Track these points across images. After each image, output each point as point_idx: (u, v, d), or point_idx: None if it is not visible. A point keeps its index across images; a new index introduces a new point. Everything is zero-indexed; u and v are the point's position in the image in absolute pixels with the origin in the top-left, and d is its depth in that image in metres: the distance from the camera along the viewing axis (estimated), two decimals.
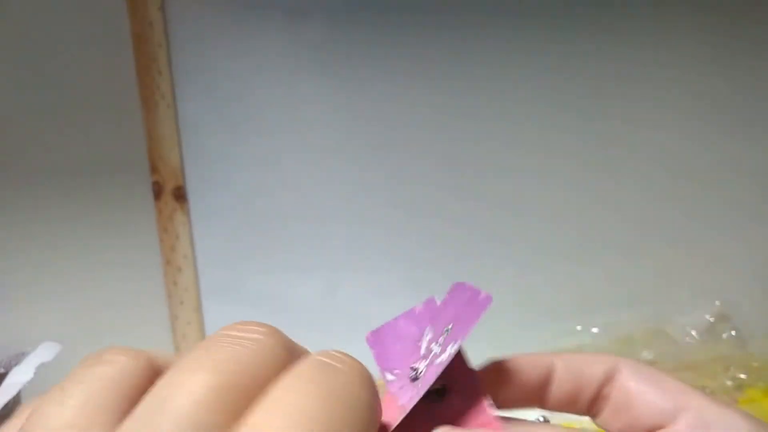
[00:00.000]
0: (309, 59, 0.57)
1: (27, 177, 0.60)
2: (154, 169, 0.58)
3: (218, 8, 0.56)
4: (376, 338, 0.25)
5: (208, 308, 0.62)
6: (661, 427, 0.21)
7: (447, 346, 0.22)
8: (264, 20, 0.56)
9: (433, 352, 0.23)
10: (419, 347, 0.24)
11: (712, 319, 0.64)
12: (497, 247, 0.63)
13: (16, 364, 0.56)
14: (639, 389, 0.22)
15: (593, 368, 0.24)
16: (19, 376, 0.54)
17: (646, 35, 0.59)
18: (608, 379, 0.23)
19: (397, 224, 0.62)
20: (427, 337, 0.24)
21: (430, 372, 0.22)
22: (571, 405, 0.24)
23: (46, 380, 0.55)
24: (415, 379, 0.23)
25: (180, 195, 0.58)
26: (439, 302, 0.25)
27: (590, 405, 0.24)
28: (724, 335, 0.64)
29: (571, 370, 0.24)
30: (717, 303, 0.65)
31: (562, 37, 0.58)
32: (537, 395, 0.24)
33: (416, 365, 0.23)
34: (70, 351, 0.58)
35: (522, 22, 0.57)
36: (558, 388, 0.24)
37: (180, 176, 0.58)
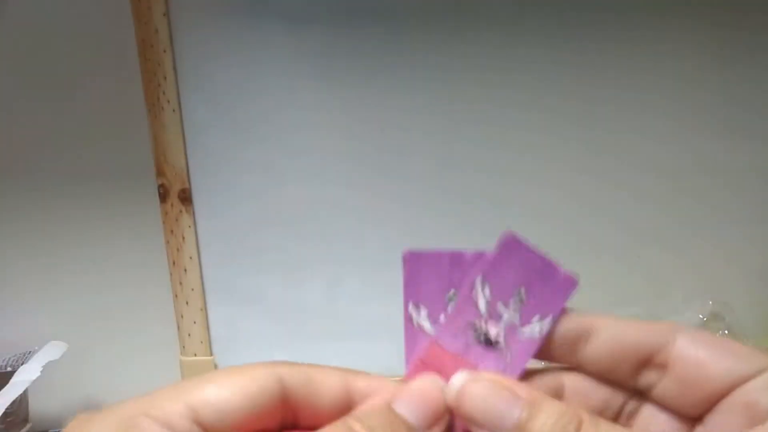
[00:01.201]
0: (311, 64, 0.58)
1: (35, 181, 0.61)
2: (159, 172, 0.59)
3: (222, 14, 0.57)
4: (414, 261, 0.23)
5: (213, 308, 0.63)
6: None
7: (531, 319, 0.22)
8: (267, 26, 0.57)
9: (505, 318, 0.22)
10: (474, 301, 0.22)
11: (704, 319, 0.66)
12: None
13: (23, 363, 0.57)
14: (707, 356, 0.21)
15: (641, 333, 0.22)
16: (26, 375, 0.55)
17: (639, 42, 0.60)
18: (662, 347, 0.21)
19: (398, 225, 0.62)
20: (484, 292, 0.22)
21: (521, 349, 0.22)
22: (611, 370, 0.22)
23: (52, 379, 0.56)
24: (488, 343, 0.22)
25: (185, 197, 0.59)
26: (489, 254, 0.23)
27: (637, 374, 0.22)
28: (717, 334, 0.65)
29: (614, 331, 0.22)
30: (710, 302, 0.66)
31: (557, 44, 0.59)
32: (568, 350, 0.22)
33: (481, 325, 0.22)
34: (76, 350, 0.59)
35: (518, 29, 0.58)
36: (595, 348, 0.22)
37: (185, 179, 0.59)
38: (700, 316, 0.65)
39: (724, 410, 0.20)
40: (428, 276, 0.22)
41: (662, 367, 0.21)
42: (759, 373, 0.20)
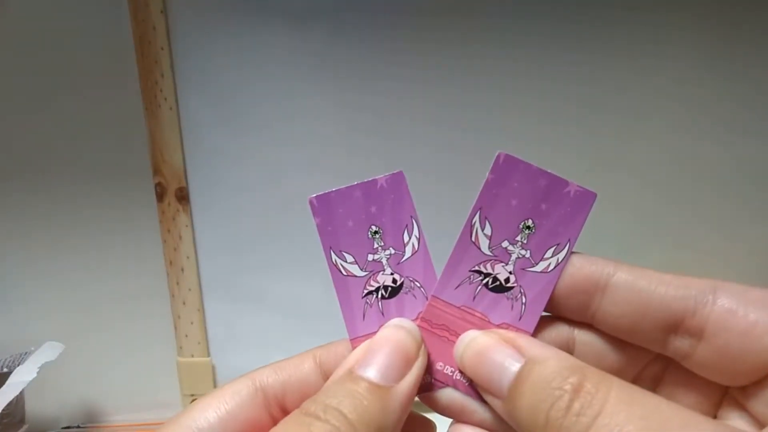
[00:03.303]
0: (311, 63, 0.58)
1: (30, 180, 0.60)
2: (156, 171, 0.59)
3: (221, 12, 0.56)
4: (324, 205, 0.20)
5: (210, 308, 0.63)
6: None
7: (545, 252, 0.19)
8: (266, 24, 0.56)
9: (514, 256, 0.19)
10: (474, 243, 0.20)
11: None
12: None
13: (19, 364, 0.57)
14: (757, 320, 0.16)
15: (670, 290, 0.18)
16: (23, 376, 0.55)
17: (645, 35, 0.59)
18: (697, 308, 0.18)
19: None
20: (484, 231, 0.20)
21: (537, 289, 0.19)
22: (631, 332, 0.19)
23: (49, 380, 0.56)
24: (498, 288, 0.19)
25: (183, 196, 0.59)
26: (483, 182, 0.19)
27: (663, 339, 0.18)
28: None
29: (636, 285, 0.19)
30: None
31: (562, 38, 0.59)
32: (578, 303, 0.19)
33: (488, 269, 0.19)
34: (73, 351, 0.58)
35: (522, 24, 0.58)
36: (612, 303, 0.19)
37: (182, 178, 0.59)
38: None
39: None
40: (343, 217, 0.20)
41: (697, 332, 0.18)
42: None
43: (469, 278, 0.20)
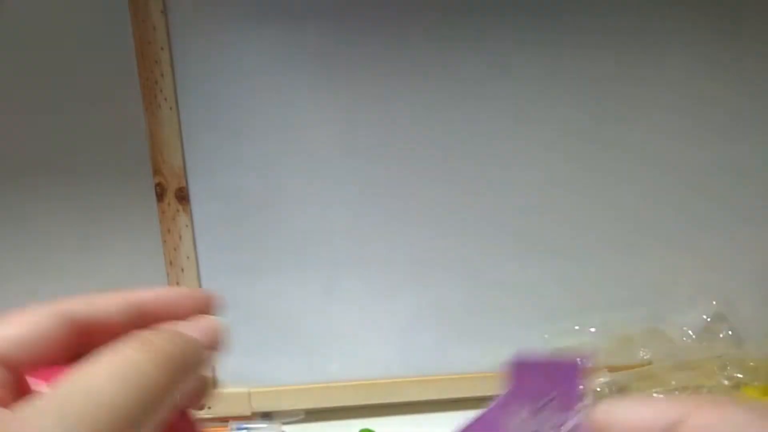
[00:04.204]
0: (309, 63, 0.58)
1: (30, 180, 0.60)
2: (156, 171, 0.59)
3: (220, 12, 0.56)
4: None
5: None
6: None
7: (563, 420, 0.21)
8: (265, 24, 0.56)
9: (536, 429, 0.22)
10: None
11: (709, 319, 0.65)
12: (496, 247, 0.64)
13: None
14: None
15: (656, 415, 0.20)
16: None
17: (643, 37, 0.59)
18: (675, 424, 0.20)
19: (396, 224, 0.62)
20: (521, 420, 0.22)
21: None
22: None
23: None
24: None
25: (182, 196, 0.59)
26: (505, 393, 0.22)
27: None
28: (721, 335, 0.65)
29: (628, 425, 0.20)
30: (714, 303, 0.65)
31: (560, 39, 0.59)
32: None
33: None
34: None
35: (519, 24, 0.58)
36: None
37: (182, 178, 0.59)
38: (704, 317, 0.65)
39: None
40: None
41: None
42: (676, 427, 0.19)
43: None
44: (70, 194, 0.61)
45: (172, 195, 0.59)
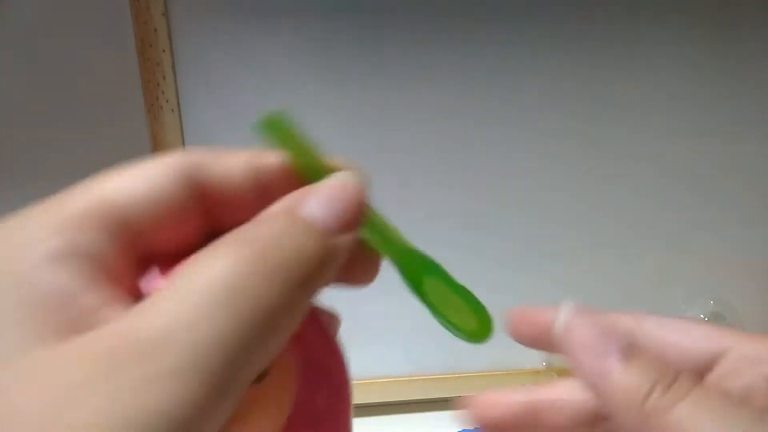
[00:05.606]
0: (312, 63, 0.58)
1: (31, 181, 0.60)
2: None
3: (221, 13, 0.56)
4: None
5: None
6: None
7: None
8: (267, 25, 0.57)
9: None
10: None
11: (706, 319, 0.66)
12: (494, 248, 0.64)
13: None
14: (672, 342, 0.21)
15: (689, 348, 0.20)
16: None
17: (640, 39, 0.60)
18: (714, 362, 0.20)
19: (398, 226, 0.62)
20: None
21: None
22: None
23: None
24: None
25: None
26: None
27: None
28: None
29: (660, 343, 0.21)
30: (711, 302, 0.66)
31: (558, 42, 0.59)
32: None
33: None
34: None
35: (520, 27, 0.58)
36: None
37: None
38: (702, 316, 0.65)
39: None
40: None
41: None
42: (718, 357, 0.20)
43: None
44: None
45: None
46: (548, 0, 0.57)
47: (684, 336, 0.21)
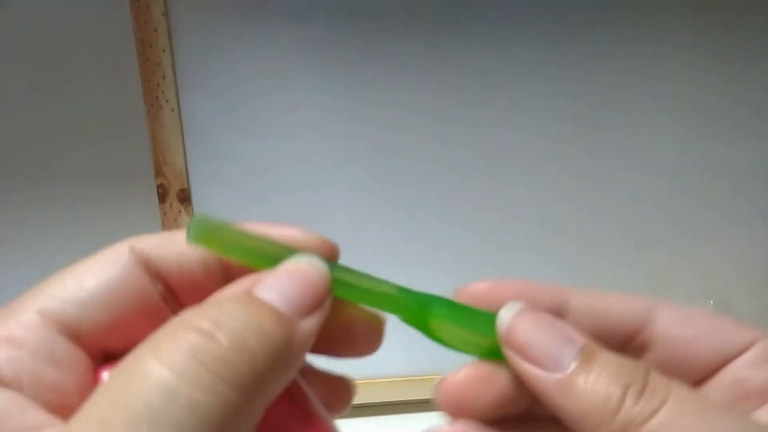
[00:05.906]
0: (313, 63, 0.58)
1: (31, 181, 0.61)
2: (158, 172, 0.59)
3: (222, 13, 0.57)
4: None
5: None
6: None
7: None
8: (268, 25, 0.57)
9: None
10: None
11: None
12: (493, 251, 0.64)
13: None
14: (693, 334, 0.19)
15: (619, 313, 0.20)
16: None
17: (638, 43, 0.60)
18: (643, 325, 0.19)
19: (397, 226, 0.63)
20: None
21: None
22: None
23: None
24: None
25: (185, 197, 0.59)
26: None
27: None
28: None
29: (591, 309, 0.19)
30: (711, 303, 0.66)
31: (558, 44, 0.59)
32: None
33: None
34: None
35: (519, 29, 0.58)
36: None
37: (185, 179, 0.59)
38: None
39: (713, 389, 0.19)
40: None
41: (645, 346, 0.20)
42: (746, 348, 0.19)
43: None
44: (71, 196, 0.61)
45: (174, 196, 0.59)
46: (548, 1, 0.58)
47: (614, 301, 0.20)
